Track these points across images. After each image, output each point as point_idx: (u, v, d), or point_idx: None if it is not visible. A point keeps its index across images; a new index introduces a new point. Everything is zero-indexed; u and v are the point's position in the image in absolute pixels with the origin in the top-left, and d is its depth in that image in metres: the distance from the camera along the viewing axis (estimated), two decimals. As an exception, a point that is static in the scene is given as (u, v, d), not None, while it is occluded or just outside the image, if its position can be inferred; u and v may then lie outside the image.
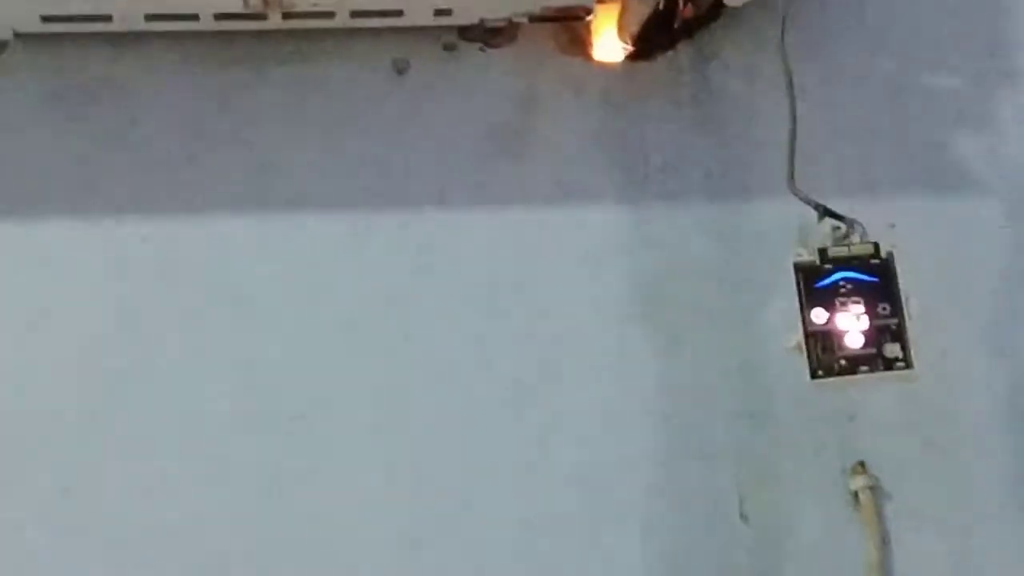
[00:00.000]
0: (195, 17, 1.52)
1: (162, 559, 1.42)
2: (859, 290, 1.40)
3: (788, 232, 1.48)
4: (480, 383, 1.50)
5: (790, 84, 1.45)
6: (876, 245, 1.42)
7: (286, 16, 1.52)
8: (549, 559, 1.44)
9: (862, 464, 1.48)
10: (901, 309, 1.39)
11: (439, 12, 1.54)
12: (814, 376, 1.39)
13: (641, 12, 1.58)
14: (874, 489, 1.47)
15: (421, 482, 1.46)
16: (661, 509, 1.46)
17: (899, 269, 1.40)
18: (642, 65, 1.62)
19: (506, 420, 1.48)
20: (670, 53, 1.63)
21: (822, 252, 1.42)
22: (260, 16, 1.51)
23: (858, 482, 1.46)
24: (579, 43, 1.62)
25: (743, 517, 1.46)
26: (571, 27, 1.61)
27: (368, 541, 1.44)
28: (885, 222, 1.49)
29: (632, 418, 1.49)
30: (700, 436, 1.49)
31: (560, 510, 1.46)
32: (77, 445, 1.45)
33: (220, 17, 1.52)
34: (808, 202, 1.44)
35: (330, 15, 1.53)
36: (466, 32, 1.61)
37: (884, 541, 1.46)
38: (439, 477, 1.47)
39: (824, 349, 1.39)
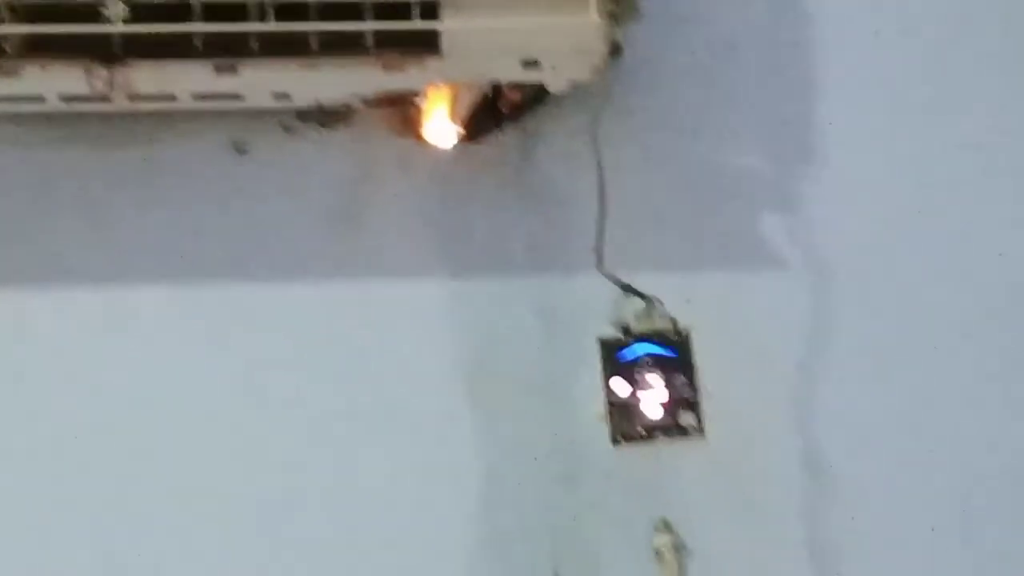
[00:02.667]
0: (41, 99, 1.59)
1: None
2: (658, 363, 1.50)
3: (599, 307, 1.58)
4: (306, 449, 1.58)
5: (599, 167, 1.55)
6: (674, 321, 1.51)
7: (131, 98, 1.59)
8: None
9: (665, 523, 1.57)
10: (696, 381, 1.49)
11: (278, 96, 1.62)
12: (615, 442, 1.48)
13: (470, 97, 1.67)
14: (676, 546, 1.56)
15: (237, 541, 1.55)
16: (480, 567, 1.55)
17: (695, 343, 1.50)
18: (471, 147, 1.71)
19: (329, 486, 1.57)
20: (498, 135, 1.72)
21: (625, 328, 1.51)
22: (105, 99, 1.59)
23: (661, 539, 1.56)
24: (411, 126, 1.71)
25: (556, 575, 1.55)
26: (404, 110, 1.70)
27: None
28: (684, 298, 1.59)
29: (453, 482, 1.58)
30: (516, 498, 1.57)
31: (380, 568, 1.54)
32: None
33: (66, 99, 1.59)
34: (613, 280, 1.53)
35: (172, 98, 1.61)
36: (304, 114, 1.70)
37: (687, 595, 1.55)
38: (249, 536, 1.55)
39: (625, 418, 1.49)
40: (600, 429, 1.48)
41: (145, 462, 1.56)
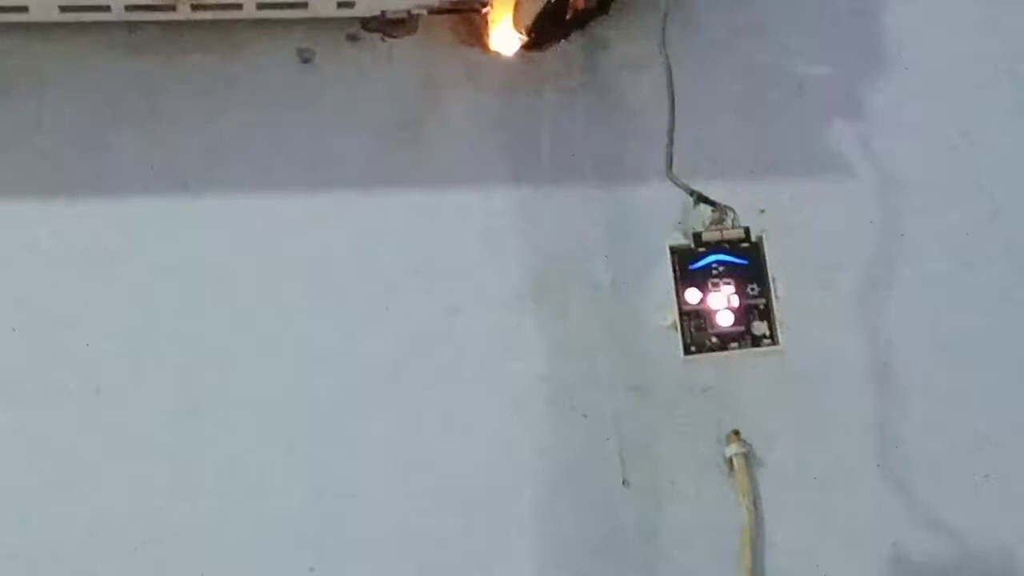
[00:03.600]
0: (107, 8, 1.59)
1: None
2: (730, 272, 1.48)
3: (668, 216, 1.57)
4: (377, 353, 1.58)
5: (669, 76, 1.53)
6: (747, 229, 1.50)
7: (195, 7, 1.59)
8: (435, 532, 1.53)
9: (736, 432, 1.57)
10: (769, 290, 1.48)
11: (342, 4, 1.62)
12: (687, 352, 1.47)
13: (535, 4, 1.65)
14: (747, 456, 1.56)
15: (312, 453, 1.55)
16: (548, 477, 1.55)
17: (767, 252, 1.48)
18: (536, 55, 1.70)
19: (389, 394, 1.57)
20: (563, 44, 1.70)
21: (696, 236, 1.49)
22: (170, 7, 1.58)
23: (732, 449, 1.56)
24: (476, 34, 1.70)
25: (625, 483, 1.55)
26: (469, 18, 1.69)
27: (240, 527, 1.52)
28: (756, 207, 1.58)
29: (521, 391, 1.58)
30: (585, 408, 1.57)
31: (448, 478, 1.54)
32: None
33: (131, 8, 1.59)
34: (684, 188, 1.52)
35: (238, 6, 1.60)
36: (368, 23, 1.69)
37: (756, 503, 1.55)
38: (328, 446, 1.55)
39: (697, 327, 1.48)
40: (671, 339, 1.47)
41: (203, 366, 1.56)
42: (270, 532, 1.52)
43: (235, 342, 1.57)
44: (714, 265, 1.48)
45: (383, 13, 1.65)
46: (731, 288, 1.48)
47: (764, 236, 1.49)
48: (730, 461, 1.55)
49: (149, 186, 1.61)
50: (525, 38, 1.68)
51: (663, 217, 1.57)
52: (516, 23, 1.67)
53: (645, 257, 1.59)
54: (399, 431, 1.56)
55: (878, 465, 1.57)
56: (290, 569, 1.51)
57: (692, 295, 1.48)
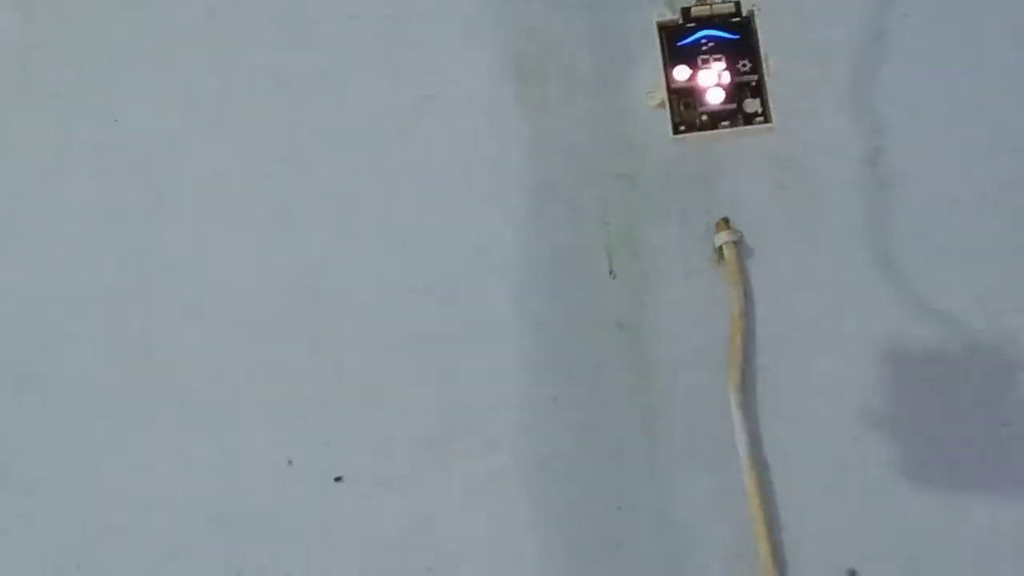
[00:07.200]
0: None
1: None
2: (720, 48, 1.43)
3: (656, -4, 1.51)
4: (349, 145, 1.53)
5: None
6: (737, 3, 1.44)
7: None
8: (413, 326, 1.48)
9: (726, 220, 1.51)
10: (761, 66, 1.42)
11: None
12: (676, 131, 1.42)
13: None
14: (737, 244, 1.50)
15: (285, 248, 1.51)
16: (531, 267, 1.50)
17: (759, 27, 1.42)
18: None
19: (372, 184, 1.52)
20: None
21: (685, 11, 1.44)
22: None
23: (722, 237, 1.50)
24: None
25: (611, 273, 1.50)
26: None
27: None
28: (745, -19, 1.51)
29: (503, 179, 1.52)
30: (569, 196, 1.51)
31: (426, 274, 1.50)
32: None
33: None
34: (670, -40, 1.46)
35: None
36: None
37: (747, 293, 1.50)
38: (299, 242, 1.51)
39: (686, 106, 1.42)
40: (660, 120, 1.41)
41: (161, 155, 1.52)
42: (249, 319, 1.48)
43: (196, 134, 1.52)
44: (703, 41, 1.43)
45: None
46: (722, 65, 1.43)
47: (756, 10, 1.42)
48: (720, 250, 1.49)
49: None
50: None
51: (650, -3, 1.51)
52: None
53: (631, 36, 1.52)
54: (373, 226, 1.50)
55: (873, 252, 1.51)
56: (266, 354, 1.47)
57: (681, 72, 1.42)
